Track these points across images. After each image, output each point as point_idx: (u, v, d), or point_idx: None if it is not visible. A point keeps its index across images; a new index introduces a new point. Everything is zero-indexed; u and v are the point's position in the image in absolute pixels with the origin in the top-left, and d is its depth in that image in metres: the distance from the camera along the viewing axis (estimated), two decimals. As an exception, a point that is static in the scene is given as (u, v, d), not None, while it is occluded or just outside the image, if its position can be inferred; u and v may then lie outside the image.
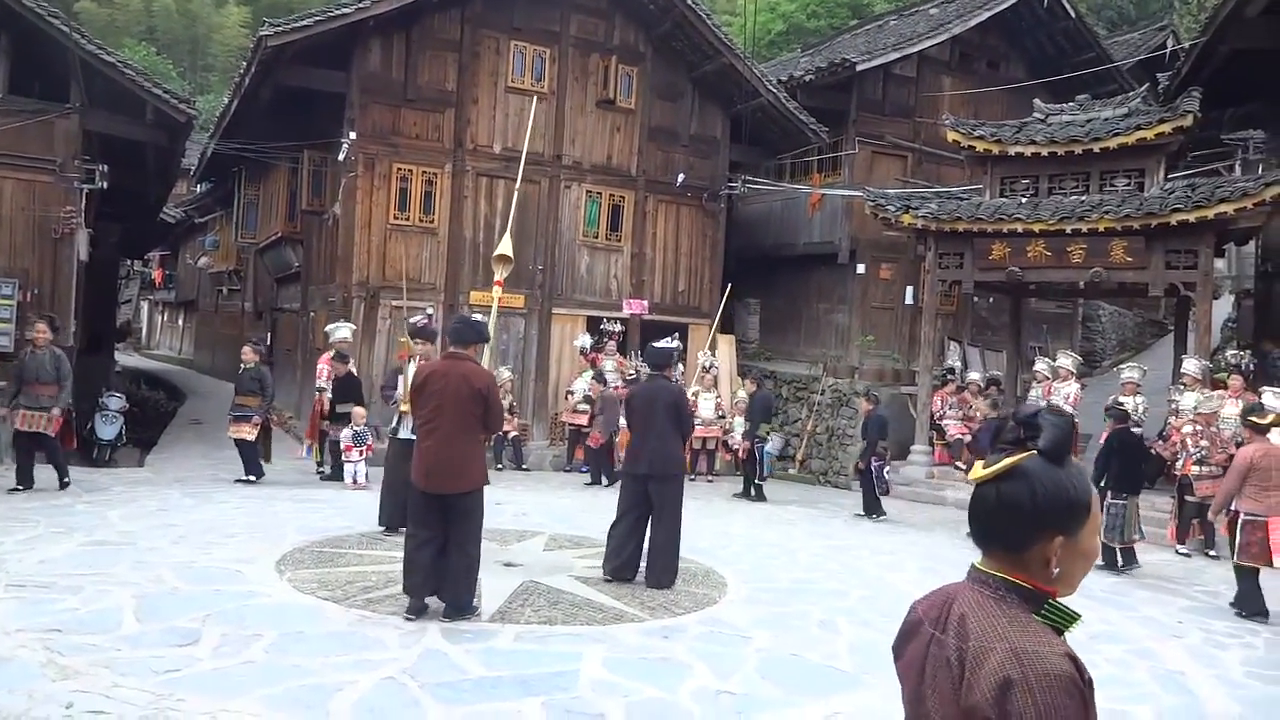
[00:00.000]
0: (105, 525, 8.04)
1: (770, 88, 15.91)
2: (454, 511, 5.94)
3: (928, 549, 9.80)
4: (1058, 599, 1.51)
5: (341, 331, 12.43)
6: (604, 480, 12.98)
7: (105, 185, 13.00)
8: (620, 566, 7.14)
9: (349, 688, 4.58)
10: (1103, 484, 9.03)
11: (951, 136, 13.87)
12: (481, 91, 14.83)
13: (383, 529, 8.42)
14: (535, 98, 13.41)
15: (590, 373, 14.40)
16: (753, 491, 12.88)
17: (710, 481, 14.23)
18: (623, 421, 12.78)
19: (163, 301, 39.66)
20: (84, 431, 13.29)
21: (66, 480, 9.75)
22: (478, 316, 7.26)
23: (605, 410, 13.24)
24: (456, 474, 5.90)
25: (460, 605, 5.89)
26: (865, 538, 10.26)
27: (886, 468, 12.12)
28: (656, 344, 8.22)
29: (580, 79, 15.55)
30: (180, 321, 37.41)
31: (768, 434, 13.14)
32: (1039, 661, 1.38)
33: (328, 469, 11.83)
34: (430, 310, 13.70)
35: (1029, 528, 1.48)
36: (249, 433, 11.09)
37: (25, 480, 9.52)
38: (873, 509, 11.77)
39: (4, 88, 12.35)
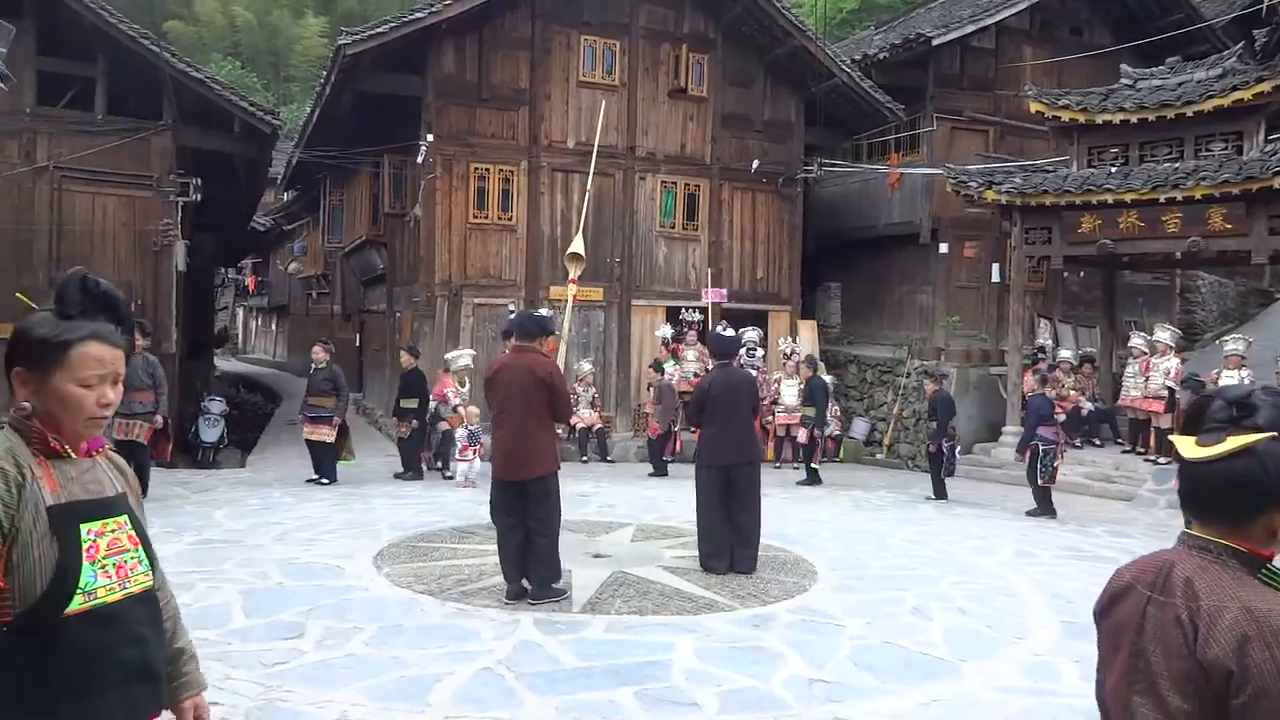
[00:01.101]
0: (212, 524, 8.39)
1: (844, 68, 15.67)
2: (531, 497, 6.15)
3: (1021, 532, 9.57)
4: (1272, 562, 1.65)
5: (463, 360, 12.41)
6: (667, 471, 13.02)
7: (199, 198, 13.52)
8: (729, 562, 7.17)
9: (447, 678, 4.70)
10: None
11: (1034, 107, 13.47)
12: (554, 87, 14.94)
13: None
14: (606, 91, 13.47)
15: (671, 363, 14.45)
16: (806, 475, 12.83)
17: (795, 469, 14.12)
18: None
19: (256, 307, 41.07)
20: (188, 434, 13.86)
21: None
22: (544, 310, 7.36)
23: (663, 400, 13.24)
24: (529, 461, 6.11)
25: (544, 583, 6.10)
26: (957, 523, 10.07)
27: (957, 448, 11.92)
28: (721, 332, 8.21)
29: (651, 70, 15.54)
30: (274, 326, 38.68)
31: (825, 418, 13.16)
32: (1272, 618, 1.53)
33: (433, 468, 11.99)
34: (513, 306, 13.93)
35: (1258, 502, 1.61)
36: (327, 434, 11.06)
37: None
38: (942, 492, 11.62)
39: (103, 109, 12.92)
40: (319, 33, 40.31)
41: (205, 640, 5.12)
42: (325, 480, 11.05)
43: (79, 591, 1.75)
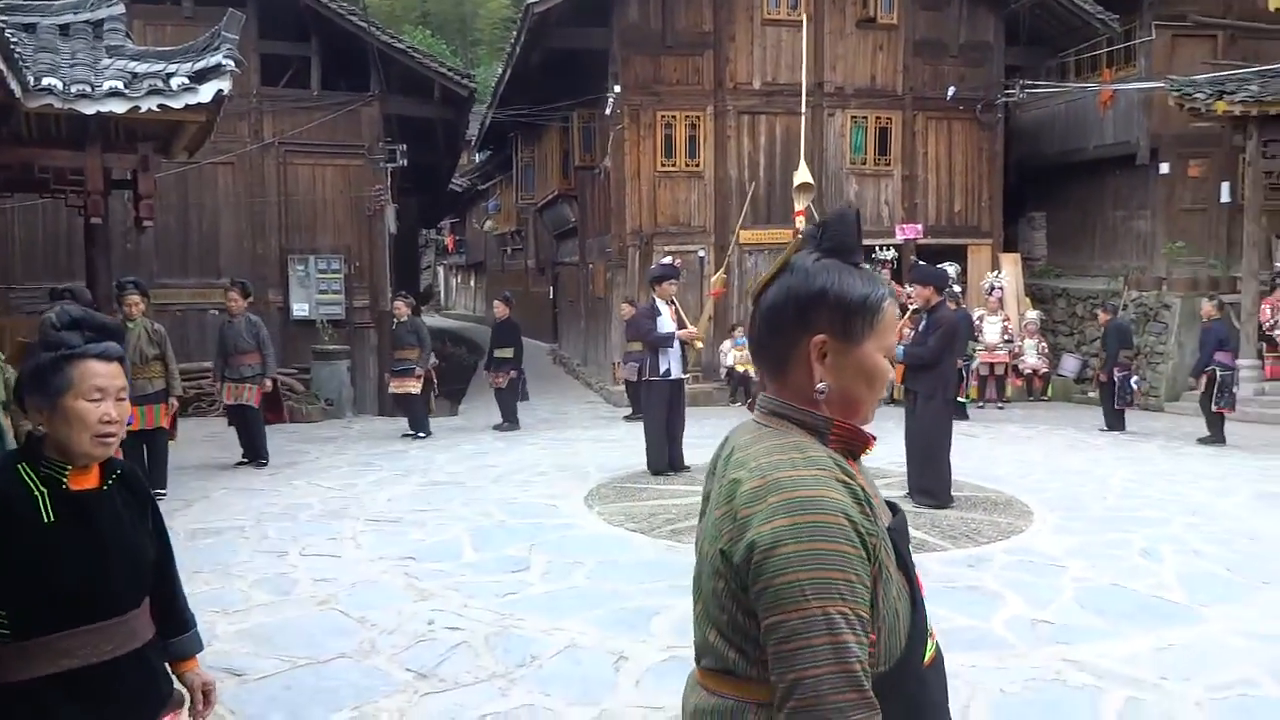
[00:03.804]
0: (435, 468, 9.00)
1: (1048, -20, 14.61)
2: None
3: (1261, 471, 8.83)
4: None
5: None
6: None
7: (405, 163, 14.29)
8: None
9: (666, 611, 4.88)
10: None
11: (1274, 4, 12.11)
12: (738, 28, 14.74)
13: (653, 473, 8.41)
14: (792, 27, 13.15)
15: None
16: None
17: (1000, 408, 13.58)
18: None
19: (455, 265, 43.19)
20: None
21: (262, 461, 8.96)
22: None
23: None
24: None
25: None
26: (1185, 462, 9.41)
27: (1134, 378, 11.56)
28: (929, 266, 8.13)
29: (838, 1, 15.03)
30: (472, 283, 40.57)
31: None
32: None
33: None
34: (702, 253, 14.01)
35: None
36: (414, 387, 10.77)
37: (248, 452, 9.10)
38: (1116, 423, 11.34)
39: (318, 85, 13.84)
40: (502, -5, 41.33)
41: (441, 571, 5.56)
42: (420, 435, 10.84)
43: (929, 634, 1.40)
